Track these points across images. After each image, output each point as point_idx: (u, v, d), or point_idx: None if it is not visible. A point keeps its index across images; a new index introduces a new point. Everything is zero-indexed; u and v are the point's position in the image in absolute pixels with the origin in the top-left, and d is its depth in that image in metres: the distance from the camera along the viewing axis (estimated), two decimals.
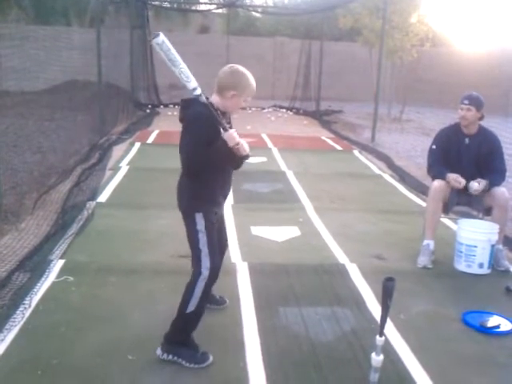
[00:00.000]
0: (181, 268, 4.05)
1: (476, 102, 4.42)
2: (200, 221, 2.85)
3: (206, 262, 2.82)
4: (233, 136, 2.73)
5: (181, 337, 2.87)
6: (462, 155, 4.52)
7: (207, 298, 2.91)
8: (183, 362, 2.83)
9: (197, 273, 2.83)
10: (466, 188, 4.36)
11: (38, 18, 19.50)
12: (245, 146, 2.77)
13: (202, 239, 2.85)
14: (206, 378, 2.74)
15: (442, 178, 4.46)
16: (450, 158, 4.56)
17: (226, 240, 3.28)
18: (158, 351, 2.87)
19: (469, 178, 4.35)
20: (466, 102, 4.42)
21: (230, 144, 2.73)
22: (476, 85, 15.66)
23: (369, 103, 12.64)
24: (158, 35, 2.63)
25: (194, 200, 2.88)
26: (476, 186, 4.28)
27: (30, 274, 3.84)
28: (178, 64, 2.70)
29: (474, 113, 4.41)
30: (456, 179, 4.37)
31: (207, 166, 2.80)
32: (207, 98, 2.78)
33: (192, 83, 2.73)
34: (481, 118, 4.49)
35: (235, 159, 2.85)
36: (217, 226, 3.00)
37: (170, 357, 2.84)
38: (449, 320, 3.52)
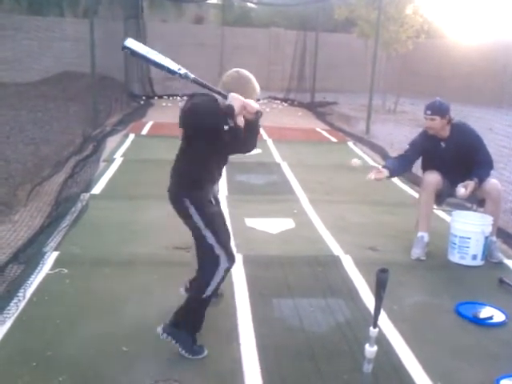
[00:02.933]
0: (175, 259, 4.07)
1: (439, 111, 4.35)
2: (196, 216, 2.85)
3: (223, 256, 2.84)
4: (236, 96, 2.66)
5: (192, 319, 2.88)
6: (443, 159, 4.47)
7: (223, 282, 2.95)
8: (179, 348, 2.83)
9: (216, 263, 2.84)
10: (455, 184, 4.33)
11: (31, 9, 19.34)
12: (252, 103, 2.71)
13: (209, 235, 2.84)
14: (200, 370, 2.75)
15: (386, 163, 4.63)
16: (431, 163, 4.54)
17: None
18: (159, 329, 2.86)
19: (457, 176, 4.31)
20: (429, 112, 4.37)
21: (236, 104, 2.64)
22: (470, 76, 15.70)
23: (363, 95, 12.61)
24: (125, 39, 2.66)
25: (192, 196, 2.87)
26: (462, 191, 4.21)
27: (24, 265, 3.83)
28: (156, 53, 2.69)
29: (438, 121, 4.35)
30: (375, 172, 4.39)
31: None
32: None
33: (173, 65, 2.71)
34: (449, 122, 4.42)
35: (252, 126, 2.82)
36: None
37: (169, 338, 2.83)
38: (442, 311, 3.54)
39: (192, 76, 2.72)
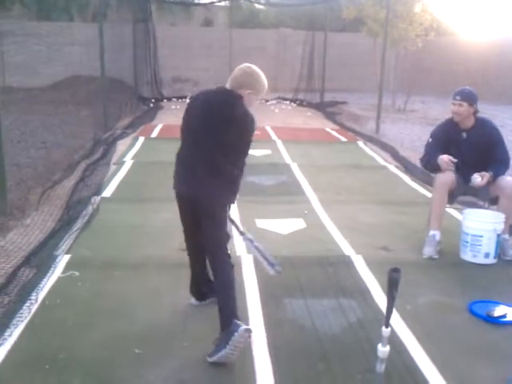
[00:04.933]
0: (186, 261, 4.05)
1: (468, 98, 4.36)
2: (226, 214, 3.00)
3: (230, 262, 2.98)
4: None
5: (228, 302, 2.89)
6: (462, 150, 4.47)
7: None
8: (214, 345, 2.78)
9: (229, 268, 2.96)
10: (468, 180, 4.32)
11: (40, 14, 19.50)
12: None
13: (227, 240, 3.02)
14: (213, 371, 2.74)
15: (435, 164, 4.43)
16: (450, 153, 4.53)
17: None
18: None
19: (472, 171, 4.31)
20: (458, 97, 4.37)
21: None
22: (481, 73, 15.61)
23: (373, 94, 12.57)
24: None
25: (230, 196, 3.02)
26: (479, 180, 4.24)
27: (36, 269, 3.86)
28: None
29: (466, 108, 4.36)
30: (447, 162, 4.32)
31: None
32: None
33: None
34: (475, 113, 4.44)
35: None
36: None
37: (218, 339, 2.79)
38: (455, 310, 3.51)
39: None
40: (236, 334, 2.70)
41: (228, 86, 2.98)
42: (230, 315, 2.81)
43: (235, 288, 2.93)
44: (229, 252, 3.02)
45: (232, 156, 2.93)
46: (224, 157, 2.90)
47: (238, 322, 2.77)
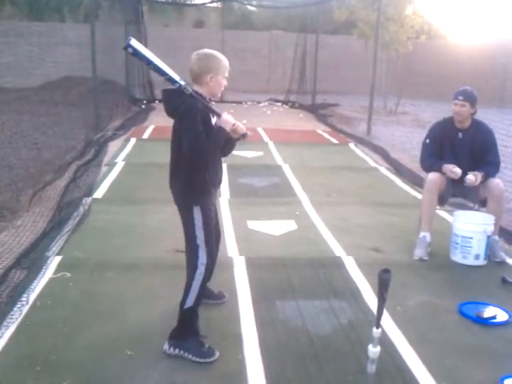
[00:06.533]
0: (179, 262, 4.04)
1: (470, 98, 4.40)
2: (198, 215, 2.84)
3: (202, 258, 2.84)
4: (227, 119, 2.80)
5: (184, 332, 2.87)
6: (456, 149, 4.52)
7: (204, 292, 2.92)
8: (190, 356, 2.82)
9: (193, 268, 2.85)
10: (461, 180, 4.36)
11: (32, 14, 19.43)
12: (240, 125, 2.84)
13: (200, 235, 2.84)
14: (204, 372, 2.75)
15: (438, 169, 4.46)
16: (444, 152, 4.57)
17: (219, 231, 3.26)
18: (165, 346, 2.86)
19: (464, 171, 4.35)
20: (461, 97, 4.40)
21: (227, 127, 2.78)
22: (472, 77, 15.73)
23: (364, 96, 12.61)
24: (129, 39, 2.66)
25: (191, 193, 2.87)
26: (472, 179, 4.27)
27: (27, 270, 3.84)
28: (158, 59, 2.73)
29: (468, 108, 4.40)
30: (452, 170, 4.37)
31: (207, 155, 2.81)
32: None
33: (176, 75, 2.76)
34: (474, 113, 4.48)
35: (232, 142, 2.92)
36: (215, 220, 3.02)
37: (177, 351, 2.83)
38: (445, 311, 3.53)
39: (190, 90, 2.75)
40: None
41: (190, 79, 2.87)
42: (190, 327, 2.88)
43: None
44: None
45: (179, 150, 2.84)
46: (175, 153, 2.88)
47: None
